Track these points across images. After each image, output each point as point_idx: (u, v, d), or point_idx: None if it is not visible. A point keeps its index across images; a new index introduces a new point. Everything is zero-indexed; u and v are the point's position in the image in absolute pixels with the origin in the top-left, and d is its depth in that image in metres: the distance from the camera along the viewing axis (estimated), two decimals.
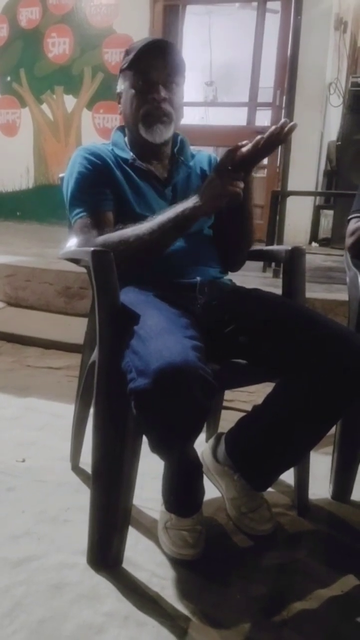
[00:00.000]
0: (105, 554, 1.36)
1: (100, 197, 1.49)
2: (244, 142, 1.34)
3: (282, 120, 1.32)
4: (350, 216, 1.88)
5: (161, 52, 1.50)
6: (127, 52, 1.55)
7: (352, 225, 1.83)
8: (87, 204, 1.49)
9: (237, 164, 1.33)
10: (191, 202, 1.34)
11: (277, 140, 1.33)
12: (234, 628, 1.20)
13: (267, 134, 1.33)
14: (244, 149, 1.34)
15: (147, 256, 1.41)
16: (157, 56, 1.50)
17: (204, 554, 1.40)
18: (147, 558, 1.40)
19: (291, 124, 1.29)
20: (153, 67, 1.50)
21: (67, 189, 1.53)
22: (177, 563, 1.38)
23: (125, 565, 1.36)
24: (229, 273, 1.69)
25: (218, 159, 1.72)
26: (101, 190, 1.50)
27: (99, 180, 1.51)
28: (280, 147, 4.52)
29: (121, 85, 1.58)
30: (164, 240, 1.39)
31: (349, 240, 1.83)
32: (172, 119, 1.54)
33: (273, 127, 1.32)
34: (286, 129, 1.29)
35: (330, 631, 1.22)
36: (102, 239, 1.41)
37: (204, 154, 1.72)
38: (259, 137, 1.33)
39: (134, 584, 1.31)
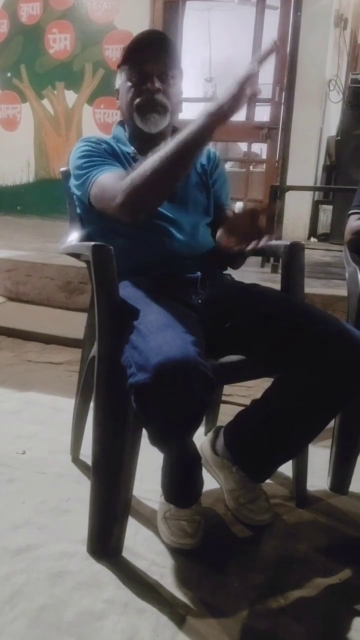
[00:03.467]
0: (105, 543, 1.37)
1: (111, 162, 1.47)
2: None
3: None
4: (351, 211, 1.89)
5: (155, 44, 1.50)
6: (124, 49, 1.56)
7: (353, 222, 1.84)
8: (100, 167, 1.44)
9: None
10: (211, 107, 1.25)
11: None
12: (232, 615, 1.22)
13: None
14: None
15: (167, 183, 1.32)
16: (150, 48, 1.50)
17: (203, 544, 1.42)
18: (146, 547, 1.42)
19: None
20: (147, 59, 1.50)
21: (74, 168, 1.50)
22: (176, 552, 1.40)
23: (125, 554, 1.38)
24: (229, 269, 1.70)
25: (217, 153, 1.74)
26: (111, 160, 1.48)
27: (107, 154, 1.50)
28: (279, 141, 4.54)
29: (119, 81, 1.60)
30: (178, 163, 1.28)
31: (348, 237, 1.85)
32: (168, 109, 1.53)
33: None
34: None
35: (328, 618, 1.24)
36: (121, 186, 1.32)
37: None
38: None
39: (134, 573, 1.33)
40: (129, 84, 1.53)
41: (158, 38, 1.52)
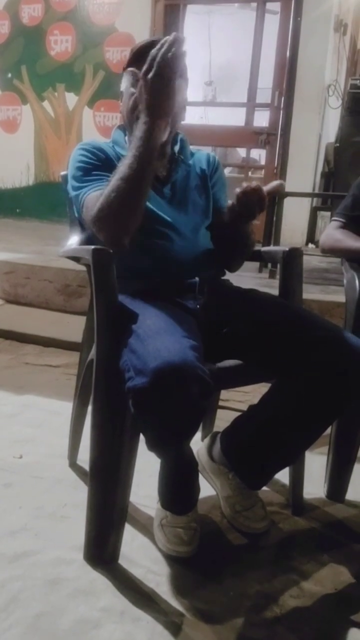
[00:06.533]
0: (101, 550, 1.37)
1: (105, 178, 1.46)
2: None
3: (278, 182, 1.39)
4: (334, 218, 1.90)
5: None
6: (131, 51, 1.55)
7: (331, 230, 1.87)
8: (93, 183, 1.46)
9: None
10: (140, 124, 1.35)
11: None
12: (227, 624, 1.22)
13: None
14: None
15: (139, 194, 1.36)
16: None
17: (199, 551, 1.42)
18: (142, 555, 1.42)
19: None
20: None
21: (71, 178, 1.52)
22: (172, 560, 1.40)
23: (121, 561, 1.38)
24: (227, 273, 1.70)
25: (217, 158, 1.74)
26: (105, 175, 1.47)
27: (102, 167, 1.50)
28: (278, 147, 4.56)
29: (123, 84, 1.57)
30: (140, 177, 1.35)
31: (323, 246, 1.87)
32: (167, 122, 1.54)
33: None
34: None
35: (323, 628, 1.24)
36: (98, 203, 1.37)
37: (202, 153, 1.72)
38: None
39: (130, 580, 1.33)
40: (132, 90, 1.52)
41: None
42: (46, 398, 2.35)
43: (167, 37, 1.32)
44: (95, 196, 1.41)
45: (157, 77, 1.30)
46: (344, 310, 1.77)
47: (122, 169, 1.34)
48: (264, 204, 1.46)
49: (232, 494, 1.57)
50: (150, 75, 1.30)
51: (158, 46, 1.32)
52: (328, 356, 1.28)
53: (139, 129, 1.34)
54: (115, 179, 1.35)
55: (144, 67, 1.32)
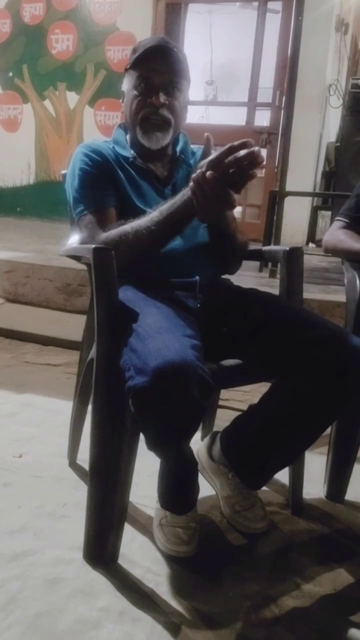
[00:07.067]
0: (101, 550, 1.37)
1: (103, 193, 1.50)
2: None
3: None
4: (338, 217, 1.91)
5: (165, 56, 1.49)
6: (133, 51, 1.54)
7: (334, 230, 1.87)
8: (91, 200, 1.49)
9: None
10: (186, 205, 1.31)
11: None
12: (227, 625, 1.22)
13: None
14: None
15: (148, 253, 1.41)
16: (160, 59, 1.49)
17: (198, 551, 1.41)
18: (142, 555, 1.42)
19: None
20: (155, 71, 1.49)
21: (70, 186, 1.54)
22: (171, 560, 1.40)
23: (120, 561, 1.38)
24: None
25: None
26: (103, 187, 1.50)
27: (101, 177, 1.51)
28: (279, 146, 4.55)
29: (125, 84, 1.58)
30: (163, 240, 1.40)
31: (326, 246, 1.87)
32: (171, 125, 1.54)
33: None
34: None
35: (322, 628, 1.23)
36: (103, 236, 1.41)
37: None
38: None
39: (129, 580, 1.32)
40: (135, 92, 1.52)
41: (167, 49, 1.49)
42: (46, 397, 2.35)
43: (247, 145, 1.19)
44: (90, 221, 1.46)
45: (214, 194, 1.22)
46: (344, 310, 1.77)
47: (142, 229, 1.37)
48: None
49: (232, 494, 1.57)
50: (209, 181, 1.21)
51: (227, 150, 1.20)
52: (328, 356, 1.27)
53: (184, 204, 1.31)
54: (132, 233, 1.38)
55: (205, 171, 1.21)
